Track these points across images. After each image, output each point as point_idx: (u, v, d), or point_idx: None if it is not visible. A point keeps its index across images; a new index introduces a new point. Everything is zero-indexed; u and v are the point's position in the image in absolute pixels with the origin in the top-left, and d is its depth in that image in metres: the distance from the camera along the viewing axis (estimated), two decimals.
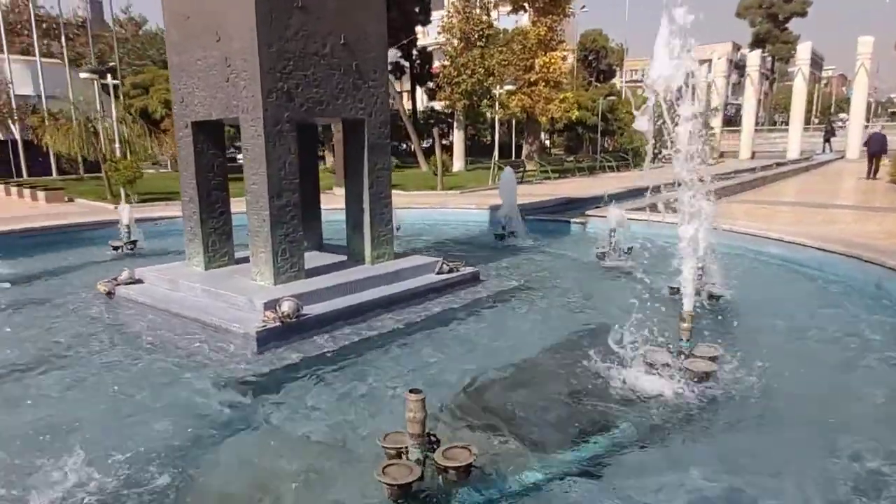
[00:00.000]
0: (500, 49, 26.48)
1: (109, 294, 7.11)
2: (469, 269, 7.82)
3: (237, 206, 7.46)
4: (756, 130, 45.92)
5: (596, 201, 13.56)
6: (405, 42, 34.70)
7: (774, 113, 77.18)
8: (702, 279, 6.66)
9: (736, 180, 20.09)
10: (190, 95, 7.09)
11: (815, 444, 3.90)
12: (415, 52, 38.81)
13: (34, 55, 30.81)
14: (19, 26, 37.53)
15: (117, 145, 20.18)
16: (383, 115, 7.34)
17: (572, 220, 12.05)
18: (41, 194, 18.00)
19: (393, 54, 37.41)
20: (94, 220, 12.61)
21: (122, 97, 30.67)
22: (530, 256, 9.76)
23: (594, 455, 3.77)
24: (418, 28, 37.00)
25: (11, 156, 28.19)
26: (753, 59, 44.91)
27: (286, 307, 5.75)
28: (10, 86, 29.51)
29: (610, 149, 39.46)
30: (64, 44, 32.35)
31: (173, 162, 31.10)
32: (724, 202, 15.03)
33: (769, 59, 65.99)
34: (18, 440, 3.25)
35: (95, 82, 22.07)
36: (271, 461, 3.79)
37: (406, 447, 3.42)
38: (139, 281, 7.30)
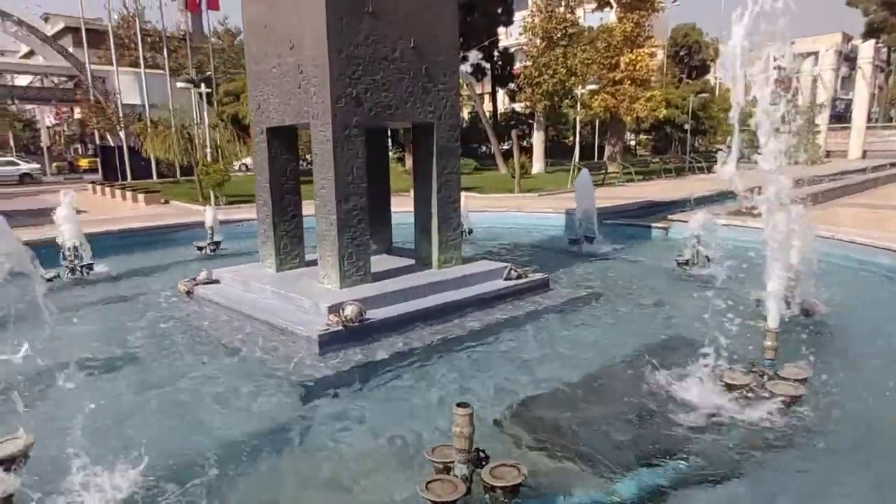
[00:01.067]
0: (583, 48, 25.79)
1: (189, 293, 7.40)
2: (539, 276, 7.57)
3: (309, 209, 7.59)
4: (868, 128, 42.30)
5: (681, 205, 12.91)
6: (486, 43, 34.54)
7: (890, 108, 70.95)
8: (794, 292, 6.12)
9: (842, 182, 18.56)
10: (265, 102, 7.28)
11: None
12: (496, 53, 38.55)
13: (140, 67, 33.10)
14: (128, 40, 40.51)
15: (208, 150, 21.25)
16: (453, 119, 7.24)
17: (653, 224, 11.48)
18: (141, 196, 19.27)
19: (474, 56, 37.35)
20: (181, 221, 13.29)
21: (215, 104, 32.38)
22: (605, 263, 9.37)
23: (658, 483, 3.48)
24: (500, 29, 36.72)
25: (118, 161, 30.40)
26: (866, 50, 41.50)
27: (349, 311, 5.76)
28: (119, 96, 31.88)
29: (701, 149, 37.60)
30: (166, 56, 34.57)
31: None
32: (828, 206, 13.90)
33: (884, 49, 60.68)
34: (84, 431, 3.37)
35: (192, 91, 23.41)
36: (320, 466, 3.76)
37: (453, 462, 3.28)
38: (216, 281, 7.56)
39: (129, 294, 7.92)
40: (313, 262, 7.49)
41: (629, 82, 25.70)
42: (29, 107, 52.61)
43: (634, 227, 11.72)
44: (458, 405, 3.22)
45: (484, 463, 3.32)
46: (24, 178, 35.49)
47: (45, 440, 3.38)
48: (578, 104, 25.91)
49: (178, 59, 41.28)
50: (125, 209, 18.37)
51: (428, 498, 3.06)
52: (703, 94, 37.52)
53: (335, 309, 5.86)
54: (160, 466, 3.55)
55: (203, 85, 22.96)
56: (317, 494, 3.48)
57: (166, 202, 19.21)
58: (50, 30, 47.94)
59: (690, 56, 55.24)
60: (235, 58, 46.90)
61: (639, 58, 25.58)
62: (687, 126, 34.42)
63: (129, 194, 20.60)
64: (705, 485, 3.48)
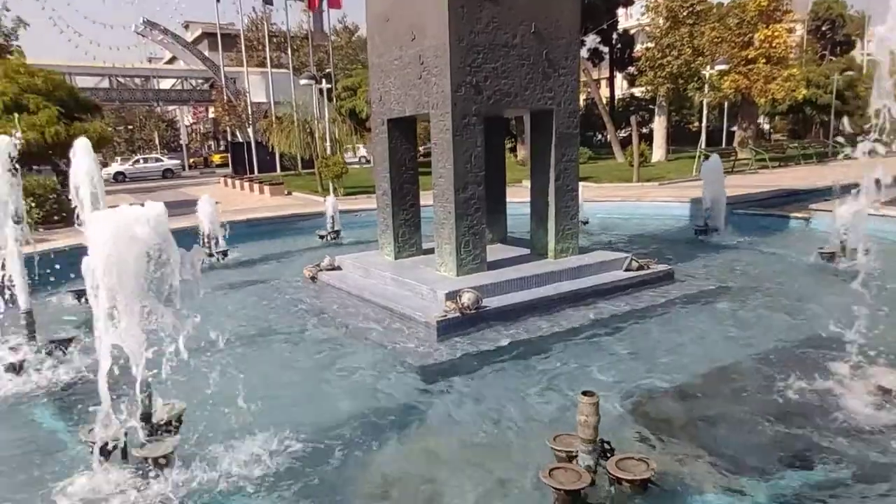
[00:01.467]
0: (711, 25, 24.14)
1: (313, 278, 7.78)
2: (662, 267, 7.22)
3: (425, 198, 7.72)
4: None
5: (824, 193, 11.82)
6: (605, 26, 33.36)
7: None
8: None
9: None
10: (387, 94, 7.46)
11: None
12: (615, 35, 37.16)
13: (267, 66, 35.24)
14: (256, 42, 43.30)
15: (328, 143, 22.24)
16: (572, 105, 7.05)
17: (791, 214, 10.58)
18: (267, 188, 20.59)
19: (591, 40, 36.25)
20: (304, 211, 14.03)
21: (334, 99, 33.79)
22: (736, 255, 8.76)
23: (801, 489, 3.21)
24: (620, 10, 35.34)
25: (246, 155, 32.59)
26: None
27: (466, 298, 5.79)
28: (248, 95, 34.13)
29: (846, 132, 34.19)
30: (290, 55, 36.53)
31: None
32: None
33: None
34: (215, 404, 3.63)
35: (313, 87, 24.59)
36: (438, 449, 3.82)
37: (576, 451, 3.20)
38: (338, 268, 7.89)
39: (260, 278, 8.47)
40: (429, 251, 7.61)
41: (764, 61, 23.79)
42: (171, 108, 57.73)
43: (769, 217, 10.87)
44: (584, 393, 3.13)
45: (609, 454, 3.22)
46: (167, 174, 39.08)
47: (194, 406, 3.68)
48: (706, 86, 24.27)
49: (299, 57, 43.55)
50: (253, 200, 19.66)
51: (552, 485, 3.00)
52: (849, 73, 34.03)
53: (452, 296, 5.92)
54: (285, 438, 3.74)
55: (324, 81, 24.04)
56: (434, 474, 3.52)
57: (289, 193, 20.36)
58: (189, 36, 52.26)
59: (833, 31, 50.36)
60: (353, 54, 48.73)
61: (775, 34, 23.60)
62: (831, 107, 31.39)
63: (256, 186, 22.05)
64: (848, 494, 3.16)
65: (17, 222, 4.94)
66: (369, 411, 4.29)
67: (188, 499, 3.20)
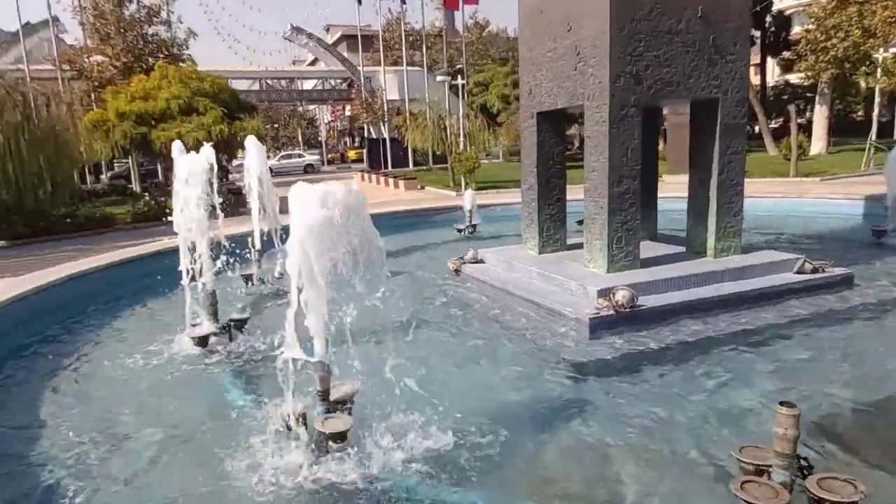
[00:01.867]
0: (884, 4, 21.58)
1: (457, 271, 7.90)
2: (839, 271, 6.55)
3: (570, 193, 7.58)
4: None
5: None
6: (758, 8, 30.94)
7: None
8: None
9: None
10: (538, 87, 7.38)
11: None
12: (768, 18, 34.38)
13: (401, 65, 36.42)
14: (392, 41, 44.86)
15: (461, 139, 22.55)
16: (741, 93, 6.58)
17: None
18: (401, 183, 21.26)
19: None
20: (440, 205, 14.33)
21: (465, 95, 34.23)
22: None
23: None
24: None
25: (381, 151, 33.93)
26: None
27: (621, 296, 5.59)
28: (384, 92, 35.48)
29: None
30: (424, 53, 37.47)
31: (505, 153, 33.62)
32: None
33: None
34: (377, 389, 3.74)
35: (446, 84, 25.05)
36: (592, 449, 3.69)
37: (769, 466, 2.96)
38: (481, 261, 7.95)
39: (404, 269, 8.72)
40: (573, 247, 7.47)
41: None
42: (312, 107, 61.42)
43: None
44: (783, 404, 2.89)
45: (807, 472, 2.95)
46: (308, 169, 41.65)
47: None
48: (879, 71, 21.66)
49: (431, 54, 44.57)
50: (388, 194, 20.41)
51: (746, 499, 2.80)
52: None
53: (605, 293, 5.74)
54: (446, 427, 3.77)
55: (458, 77, 24.43)
56: (586, 480, 3.40)
57: (422, 188, 20.91)
58: (330, 39, 55.25)
59: None
60: (483, 49, 49.04)
61: None
62: None
63: (390, 181, 22.86)
64: None
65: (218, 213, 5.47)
66: (526, 406, 4.26)
67: (360, 475, 3.33)
